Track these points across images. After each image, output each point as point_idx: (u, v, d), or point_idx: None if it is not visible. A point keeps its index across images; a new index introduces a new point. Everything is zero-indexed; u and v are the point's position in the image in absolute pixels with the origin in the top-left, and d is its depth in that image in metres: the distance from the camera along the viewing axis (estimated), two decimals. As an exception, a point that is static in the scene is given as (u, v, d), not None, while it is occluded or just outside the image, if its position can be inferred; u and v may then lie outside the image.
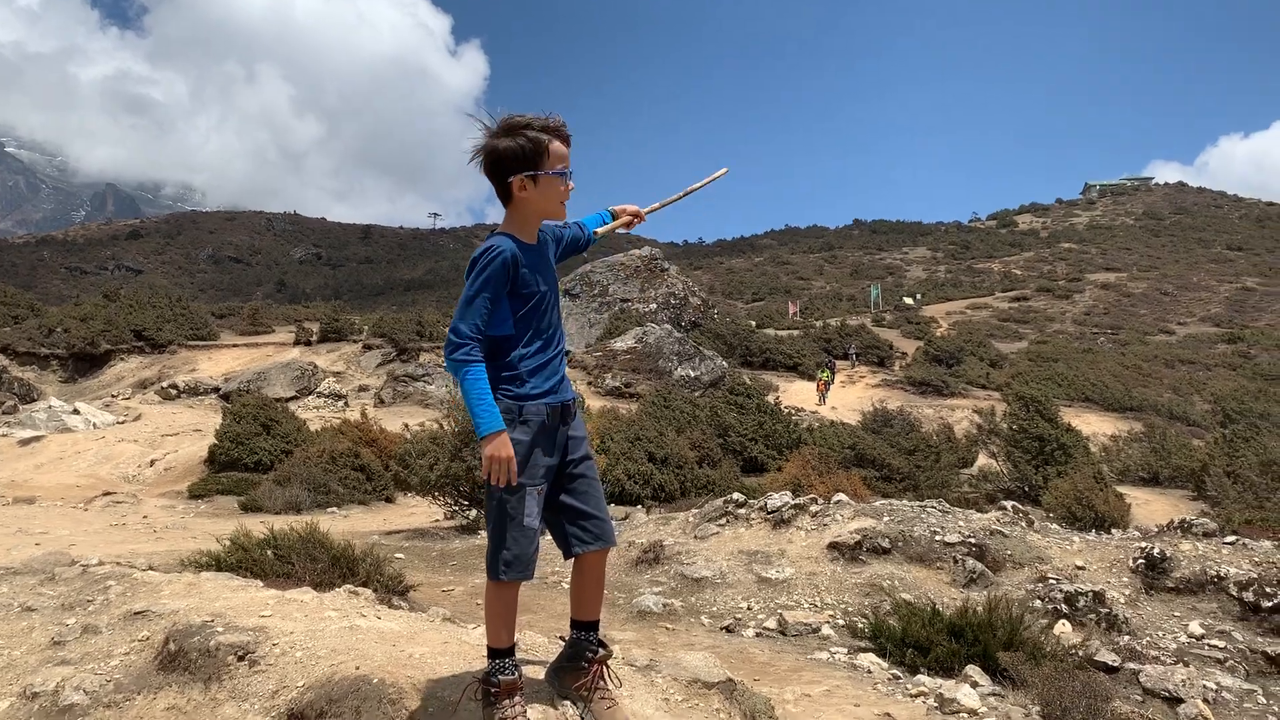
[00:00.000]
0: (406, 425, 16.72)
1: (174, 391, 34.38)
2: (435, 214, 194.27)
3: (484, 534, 10.91)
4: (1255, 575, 7.16)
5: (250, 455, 20.57)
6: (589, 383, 35.88)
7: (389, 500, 17.28)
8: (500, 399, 2.81)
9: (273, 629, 3.51)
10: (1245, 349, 62.23)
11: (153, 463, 21.97)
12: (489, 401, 2.74)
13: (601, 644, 3.00)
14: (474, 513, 12.05)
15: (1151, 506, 23.58)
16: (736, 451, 24.50)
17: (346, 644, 3.35)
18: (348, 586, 4.75)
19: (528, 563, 2.82)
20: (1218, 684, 5.95)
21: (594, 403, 28.47)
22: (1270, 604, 6.83)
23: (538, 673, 3.19)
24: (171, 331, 41.49)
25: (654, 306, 48.61)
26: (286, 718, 2.99)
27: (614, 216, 3.25)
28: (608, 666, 2.99)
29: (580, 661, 2.96)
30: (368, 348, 42.22)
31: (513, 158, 2.79)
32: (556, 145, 2.81)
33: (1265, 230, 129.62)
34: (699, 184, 3.26)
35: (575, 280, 53.93)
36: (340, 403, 33.90)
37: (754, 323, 60.03)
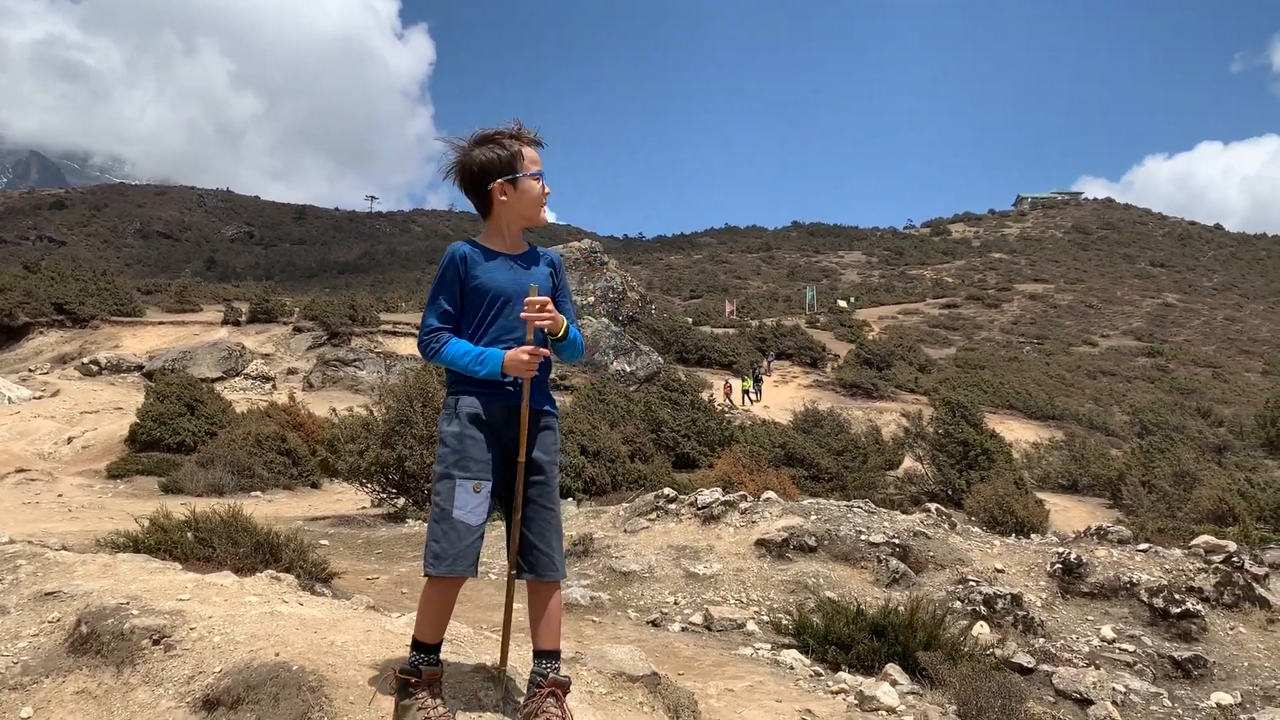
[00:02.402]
0: (334, 410, 16.46)
1: (95, 368, 33.42)
2: (372, 197, 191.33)
3: (411, 522, 10.82)
4: (1165, 582, 7.40)
5: (173, 436, 20.10)
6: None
7: (315, 486, 17.02)
8: (448, 394, 2.91)
9: (191, 613, 3.43)
10: (1164, 363, 64.28)
11: (70, 440, 21.34)
12: (474, 350, 2.82)
13: (554, 671, 2.90)
14: (402, 501, 11.93)
15: (1070, 513, 24.24)
16: (669, 447, 24.61)
17: (266, 630, 3.28)
18: (270, 572, 4.66)
19: (457, 558, 2.73)
20: (1126, 687, 6.13)
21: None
22: (1178, 610, 7.06)
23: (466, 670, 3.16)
24: (94, 306, 40.34)
25: (592, 300, 48.53)
26: (202, 704, 2.92)
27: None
28: (559, 695, 2.86)
29: (531, 688, 2.89)
30: (298, 330, 41.52)
31: (491, 165, 2.86)
32: (529, 150, 2.89)
33: (1187, 248, 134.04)
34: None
35: (513, 270, 53.46)
36: (268, 385, 33.31)
37: (691, 320, 60.30)
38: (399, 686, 2.79)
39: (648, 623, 6.66)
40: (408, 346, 41.67)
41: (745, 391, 39.88)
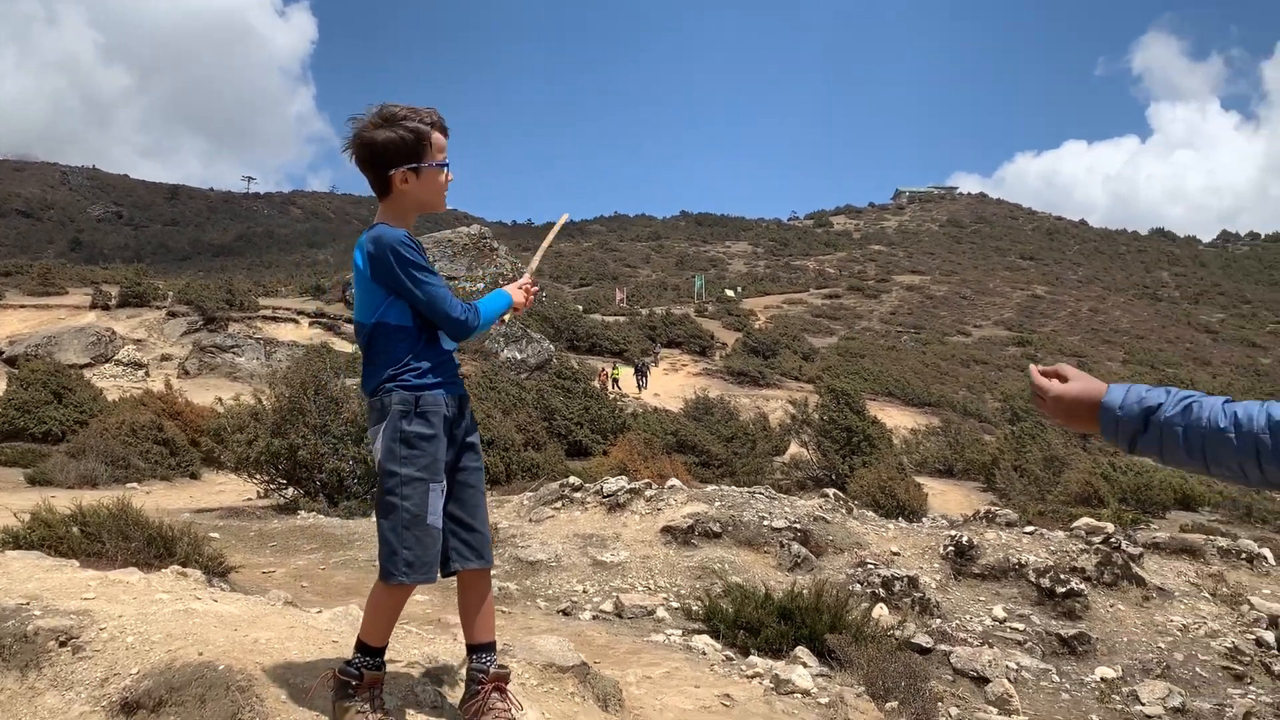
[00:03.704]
0: (220, 399, 15.88)
1: (-52, 353, 31.42)
2: (250, 178, 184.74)
3: (304, 514, 10.51)
4: (1051, 563, 7.75)
5: (39, 425, 19.10)
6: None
7: (194, 477, 16.40)
8: (396, 389, 2.68)
9: (99, 612, 3.26)
10: (1032, 352, 67.21)
11: (-77, 430, 20.01)
12: (491, 304, 2.88)
13: (493, 664, 2.83)
14: (292, 492, 11.59)
15: (946, 496, 25.17)
16: (562, 435, 24.57)
17: (184, 628, 3.14)
18: (174, 567, 4.46)
19: (431, 565, 2.65)
20: (1018, 664, 6.41)
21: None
22: (1063, 590, 7.40)
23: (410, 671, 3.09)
24: (-54, 287, 37.88)
25: (481, 286, 48.00)
26: (120, 707, 2.77)
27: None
28: (504, 688, 2.81)
29: (473, 686, 2.82)
30: (172, 315, 39.89)
31: (394, 150, 2.68)
32: (437, 136, 2.72)
33: (1054, 242, 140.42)
34: (549, 238, 3.38)
35: (399, 255, 52.44)
36: (141, 372, 31.93)
37: (581, 307, 60.26)
38: (337, 687, 2.68)
39: (558, 612, 6.64)
40: (289, 332, 40.47)
41: (615, 380, 39.79)
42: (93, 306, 39.51)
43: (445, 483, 2.69)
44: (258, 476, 11.82)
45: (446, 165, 2.75)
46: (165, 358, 35.14)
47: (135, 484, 14.77)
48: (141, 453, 16.05)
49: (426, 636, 3.97)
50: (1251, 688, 6.49)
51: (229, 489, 14.21)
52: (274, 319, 41.81)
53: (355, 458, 11.18)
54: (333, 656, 3.02)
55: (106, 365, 32.18)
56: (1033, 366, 1.98)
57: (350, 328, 44.13)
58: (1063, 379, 1.88)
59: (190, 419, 18.62)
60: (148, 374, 31.80)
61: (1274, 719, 5.95)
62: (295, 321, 42.39)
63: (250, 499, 12.42)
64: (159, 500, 12.77)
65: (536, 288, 3.12)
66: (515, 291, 2.96)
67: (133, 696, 2.78)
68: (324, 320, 43.53)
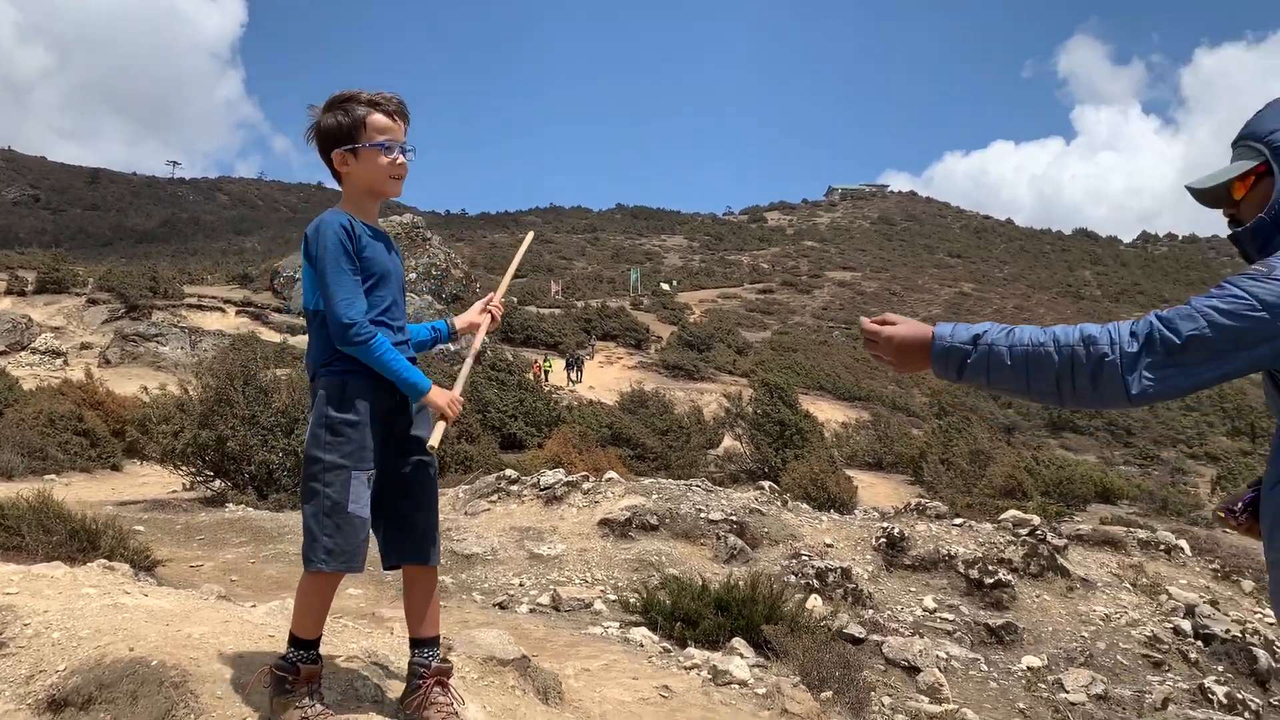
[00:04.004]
0: (146, 388, 15.46)
1: None
2: (175, 162, 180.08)
3: (233, 507, 10.30)
4: (980, 555, 7.92)
5: (-50, 415, 18.34)
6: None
7: (115, 468, 15.93)
8: (326, 375, 2.66)
9: (22, 607, 3.15)
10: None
11: None
12: (404, 361, 2.66)
13: (435, 659, 2.81)
14: (220, 484, 11.34)
15: (876, 489, 25.59)
16: (496, 428, 24.39)
17: (113, 624, 3.05)
18: (101, 561, 4.33)
19: (353, 554, 2.60)
20: (948, 654, 6.54)
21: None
22: (991, 581, 7.57)
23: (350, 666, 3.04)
24: None
25: (414, 276, 47.42)
26: (46, 705, 2.69)
27: (452, 330, 3.12)
28: (446, 682, 2.79)
29: (415, 680, 2.79)
30: (92, 302, 38.76)
31: (330, 133, 2.69)
32: (377, 117, 2.68)
33: (981, 240, 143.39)
34: (516, 260, 3.26)
35: (330, 244, 51.55)
36: (59, 361, 30.95)
37: (515, 299, 59.91)
38: (274, 683, 2.63)
39: (494, 605, 6.60)
40: (214, 321, 39.59)
41: (547, 373, 39.44)
42: (8, 292, 38.22)
43: (373, 472, 2.65)
44: (184, 468, 11.53)
45: (391, 146, 2.69)
46: (85, 346, 34.12)
47: (54, 476, 14.30)
48: (60, 444, 15.54)
49: (364, 631, 3.92)
50: (1169, 675, 6.71)
51: (153, 481, 13.85)
52: (200, 307, 40.88)
53: (285, 449, 10.97)
54: (269, 651, 2.97)
55: (23, 353, 31.12)
56: (864, 318, 2.15)
57: (279, 317, 43.33)
58: (892, 325, 2.05)
59: (112, 409, 18.08)
60: (66, 362, 30.84)
61: (1190, 704, 6.17)
62: (222, 310, 41.50)
63: (175, 491, 12.11)
64: (80, 492, 12.39)
65: (501, 311, 3.06)
66: (438, 395, 2.70)
67: (60, 694, 2.70)
68: (251, 309, 42.69)
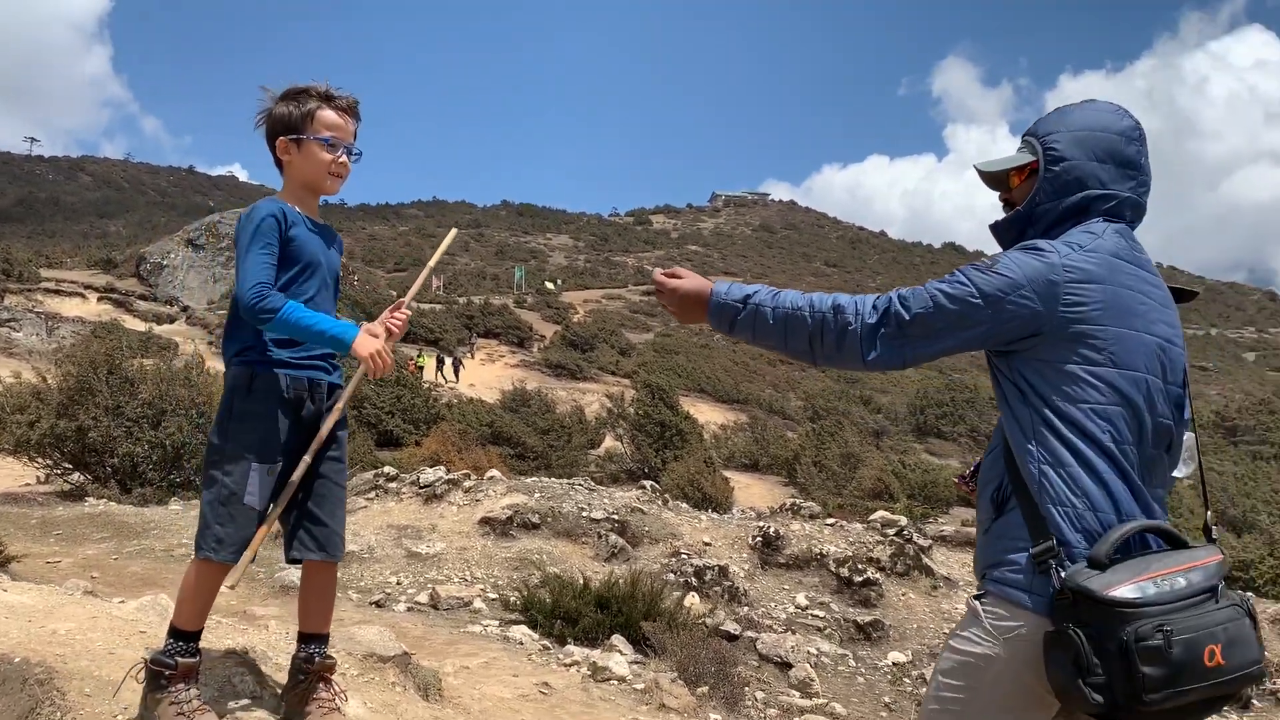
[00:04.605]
0: (-3, 376, 14.63)
1: None
2: (33, 139, 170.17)
3: (93, 501, 9.86)
4: (850, 554, 8.20)
5: None
6: (210, 343, 33.38)
7: (-39, 460, 15.04)
8: (236, 365, 2.63)
9: None
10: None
11: None
12: (322, 317, 2.55)
13: (322, 655, 2.78)
14: (79, 477, 10.82)
15: (751, 490, 26.12)
16: (371, 424, 23.92)
17: (-31, 621, 2.92)
18: (-47, 557, 4.11)
19: (243, 546, 2.55)
20: (819, 650, 6.76)
21: (217, 365, 26.47)
22: (860, 579, 7.85)
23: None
24: None
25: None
26: (-104, 707, 2.55)
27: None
28: (329, 679, 2.77)
29: (299, 676, 2.75)
30: (-62, 283, 36.31)
31: (278, 122, 2.71)
32: (325, 113, 2.70)
33: (856, 251, 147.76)
34: (435, 257, 3.11)
35: (200, 230, 49.76)
36: (-102, 344, 28.93)
37: (395, 293, 58.78)
38: (149, 678, 2.56)
39: (371, 604, 6.51)
40: (74, 307, 37.67)
41: (420, 368, 38.59)
42: None
43: (277, 466, 2.62)
44: (39, 460, 10.96)
45: (333, 142, 2.69)
46: (-72, 330, 31.97)
47: (-109, 467, 13.43)
48: (-101, 433, 14.58)
49: (239, 628, 3.84)
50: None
51: (3, 473, 13.13)
52: (58, 292, 38.82)
53: (152, 442, 10.54)
54: (142, 648, 2.88)
55: None
56: (655, 270, 2.29)
57: (144, 305, 41.50)
58: (679, 278, 2.19)
59: (-42, 397, 17.07)
60: (-94, 347, 28.88)
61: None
62: (82, 296, 39.53)
63: (30, 484, 11.52)
64: (-79, 485, 11.67)
65: (403, 322, 2.80)
66: (363, 345, 2.54)
67: (-88, 694, 2.57)
68: (115, 296, 40.79)
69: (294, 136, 2.69)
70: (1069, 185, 2.07)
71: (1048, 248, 1.97)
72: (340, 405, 2.73)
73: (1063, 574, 1.80)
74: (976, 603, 1.96)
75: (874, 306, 2.00)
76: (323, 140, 2.68)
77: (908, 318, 1.96)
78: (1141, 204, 2.12)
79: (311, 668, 2.74)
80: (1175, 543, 1.90)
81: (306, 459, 2.62)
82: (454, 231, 2.81)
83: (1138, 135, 2.10)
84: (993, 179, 2.25)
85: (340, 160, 2.73)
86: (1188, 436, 2.05)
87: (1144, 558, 1.82)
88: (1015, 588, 1.89)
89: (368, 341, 2.57)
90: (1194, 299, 2.24)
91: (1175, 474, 2.06)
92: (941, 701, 1.97)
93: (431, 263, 3.09)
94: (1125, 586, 1.75)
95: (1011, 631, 1.87)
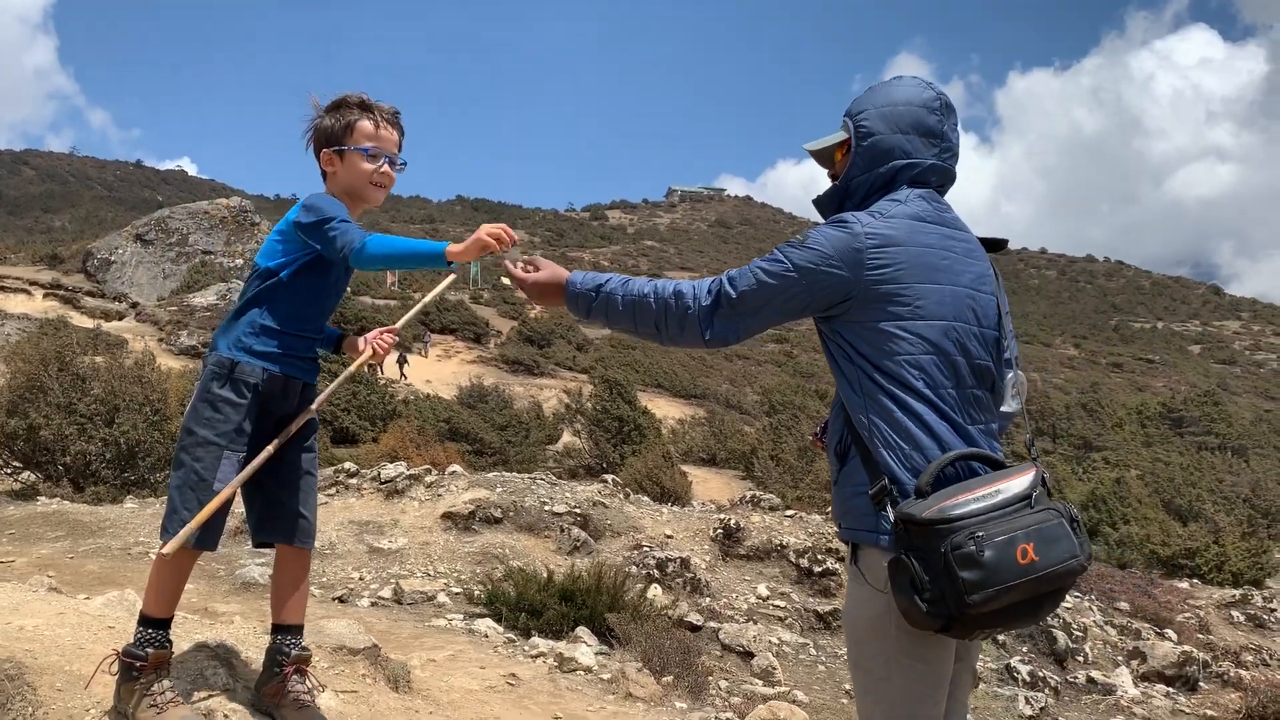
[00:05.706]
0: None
1: None
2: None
3: (45, 500, 9.70)
4: (809, 544, 8.31)
5: None
6: (160, 339, 32.88)
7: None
8: (219, 350, 2.65)
9: None
10: (789, 349, 70.91)
11: None
12: (409, 241, 2.55)
13: (297, 647, 2.78)
14: (30, 475, 10.64)
15: (709, 484, 26.24)
16: (327, 421, 23.72)
17: (-67, 619, 2.89)
18: (-90, 555, 4.05)
19: (209, 532, 2.57)
20: (780, 639, 6.86)
21: (168, 362, 26.06)
22: (820, 569, 7.97)
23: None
24: None
25: (241, 262, 45.51)
26: None
27: (338, 344, 3.00)
28: (305, 670, 2.78)
29: (274, 668, 2.76)
30: (-124, 279, 35.39)
31: (321, 135, 2.76)
32: (364, 124, 2.73)
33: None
34: (430, 298, 3.16)
35: (150, 225, 48.89)
36: None
37: (350, 289, 58.19)
38: (121, 670, 2.56)
39: (334, 599, 6.50)
40: (19, 304, 36.87)
41: (372, 366, 38.12)
42: None
43: (244, 455, 2.63)
44: (-13, 460, 10.78)
45: (374, 153, 2.72)
46: None
47: None
48: None
49: (204, 624, 3.82)
50: (980, 655, 7.24)
51: (-51, 474, 12.85)
52: (2, 289, 37.97)
53: (105, 439, 10.39)
54: (111, 642, 2.87)
55: None
56: (506, 261, 2.43)
57: (92, 302, 40.70)
58: (537, 269, 2.35)
59: (-100, 396, 16.66)
60: None
61: (998, 683, 6.68)
62: (27, 292, 38.68)
63: (-24, 485, 11.29)
64: None
65: (386, 346, 2.88)
66: (456, 247, 2.48)
67: (-122, 693, 2.54)
68: (61, 292, 39.98)
69: (336, 148, 2.73)
70: (878, 158, 2.21)
71: (851, 219, 2.11)
72: (324, 397, 2.78)
73: (894, 508, 1.94)
74: (855, 566, 2.08)
75: (708, 290, 2.16)
76: (363, 151, 2.72)
77: (735, 296, 2.12)
78: (949, 169, 2.25)
79: (287, 659, 2.75)
80: (999, 467, 2.04)
81: (270, 449, 2.64)
82: (450, 277, 2.80)
83: (939, 106, 2.23)
84: (820, 157, 2.39)
85: (382, 170, 2.76)
86: (1011, 375, 2.20)
87: (964, 482, 1.96)
88: (866, 530, 2.03)
89: (459, 246, 2.52)
90: (1004, 247, 2.36)
91: (1005, 409, 2.21)
92: (864, 670, 2.07)
93: (426, 300, 3.18)
94: (942, 505, 1.88)
95: (885, 575, 1.97)
